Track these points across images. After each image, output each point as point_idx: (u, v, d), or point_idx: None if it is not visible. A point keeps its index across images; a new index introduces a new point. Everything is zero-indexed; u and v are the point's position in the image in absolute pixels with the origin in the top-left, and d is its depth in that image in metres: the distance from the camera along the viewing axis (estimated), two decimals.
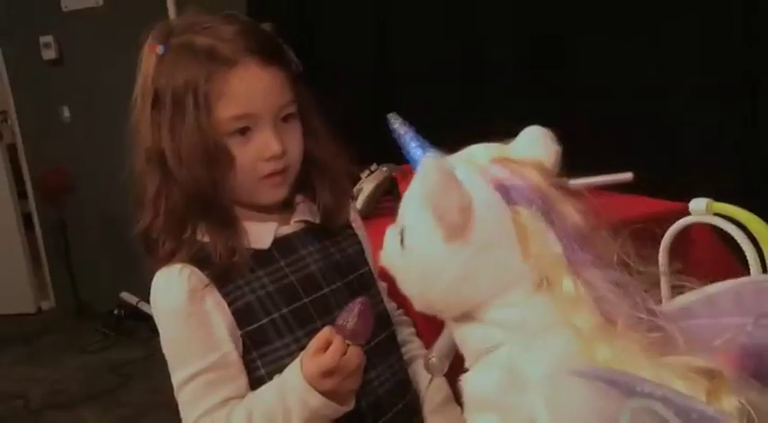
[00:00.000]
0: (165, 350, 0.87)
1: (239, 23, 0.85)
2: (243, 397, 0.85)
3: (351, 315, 0.79)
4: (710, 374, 0.52)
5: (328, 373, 0.78)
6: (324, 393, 0.79)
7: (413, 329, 1.05)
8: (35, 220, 3.80)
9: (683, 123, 1.98)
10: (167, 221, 0.85)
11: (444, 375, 0.87)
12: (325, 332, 0.79)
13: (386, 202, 1.59)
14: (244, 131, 0.83)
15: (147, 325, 3.28)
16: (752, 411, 0.50)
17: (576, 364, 0.54)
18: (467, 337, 0.64)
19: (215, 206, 0.84)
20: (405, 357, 0.99)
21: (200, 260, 0.84)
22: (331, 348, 0.78)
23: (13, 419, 2.66)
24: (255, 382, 0.86)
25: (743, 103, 1.89)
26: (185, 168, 0.82)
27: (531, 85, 2.21)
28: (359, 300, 0.80)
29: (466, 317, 0.63)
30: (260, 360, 0.86)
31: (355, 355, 0.79)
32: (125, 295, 3.38)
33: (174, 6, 3.14)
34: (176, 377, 0.85)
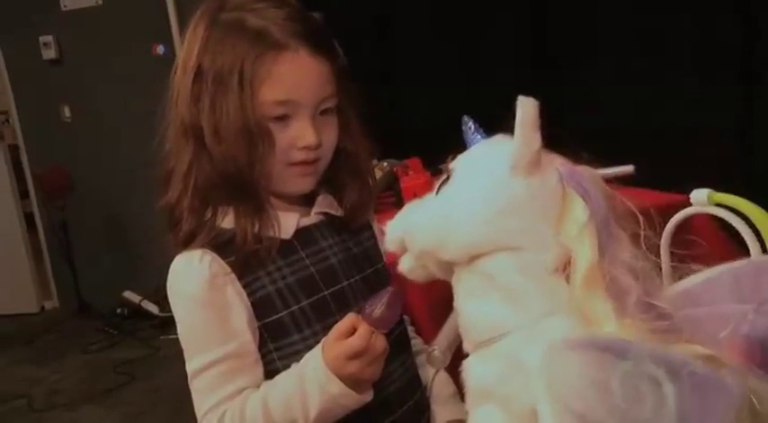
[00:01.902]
0: (181, 337, 0.85)
1: (290, 7, 0.84)
2: (258, 387, 0.83)
3: (379, 302, 0.78)
4: (714, 362, 0.53)
5: (354, 356, 0.76)
6: (344, 380, 0.77)
7: (412, 327, 1.04)
8: (37, 219, 3.81)
9: (685, 117, 1.99)
10: (194, 198, 0.83)
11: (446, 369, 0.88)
12: (351, 318, 0.78)
13: (387, 198, 1.59)
14: (282, 117, 0.82)
15: (149, 324, 3.28)
16: (753, 398, 0.50)
17: (569, 338, 0.54)
18: (471, 322, 0.65)
19: (249, 188, 0.83)
20: None
21: (219, 246, 0.83)
22: (359, 331, 0.76)
23: (17, 419, 2.66)
24: (270, 376, 0.85)
25: (742, 95, 1.90)
26: (223, 145, 0.80)
27: (532, 81, 2.21)
28: (389, 288, 0.79)
29: (477, 282, 0.64)
30: (276, 353, 0.85)
31: (381, 340, 0.77)
32: (128, 294, 3.38)
33: (174, 6, 3.14)
34: (192, 364, 0.84)
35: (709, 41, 1.91)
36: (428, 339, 0.97)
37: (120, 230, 3.43)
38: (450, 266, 0.68)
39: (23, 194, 3.82)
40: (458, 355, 0.76)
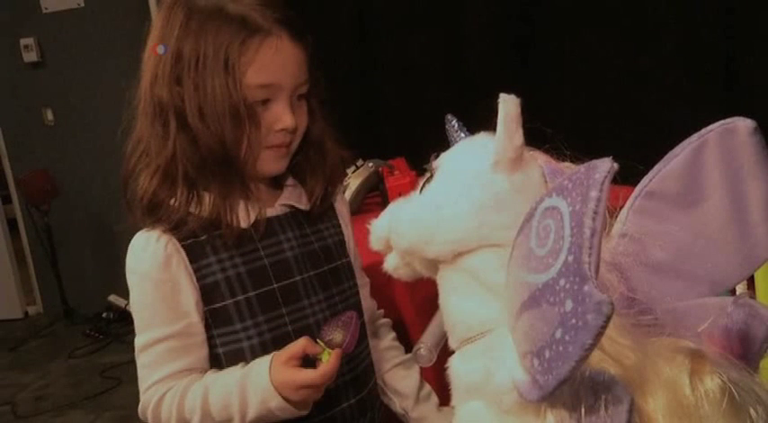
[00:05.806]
0: (132, 310, 0.88)
1: None
2: (202, 368, 0.87)
3: (342, 327, 0.80)
4: (694, 355, 0.54)
5: (307, 387, 0.79)
6: (288, 401, 0.79)
7: (394, 334, 1.05)
8: (20, 224, 3.77)
9: (671, 115, 2.00)
10: (165, 178, 0.84)
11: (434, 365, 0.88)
12: (305, 342, 0.80)
13: (372, 198, 1.59)
14: (263, 101, 0.84)
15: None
16: (733, 388, 0.51)
17: None
18: (456, 320, 0.65)
19: (233, 167, 0.84)
20: (388, 364, 1.01)
21: (179, 229, 0.85)
22: (326, 369, 0.78)
23: None
24: (212, 359, 0.87)
25: (726, 91, 1.92)
26: (209, 124, 0.82)
27: (519, 79, 2.22)
28: (349, 313, 0.82)
29: (461, 280, 0.64)
30: (218, 339, 0.87)
31: (333, 376, 0.80)
32: (113, 298, 3.36)
33: (156, 7, 3.12)
34: (140, 338, 0.86)
35: (694, 32, 1.93)
36: (415, 337, 0.98)
37: (104, 234, 3.40)
38: (434, 264, 0.68)
39: (6, 200, 3.78)
40: (444, 353, 0.77)
